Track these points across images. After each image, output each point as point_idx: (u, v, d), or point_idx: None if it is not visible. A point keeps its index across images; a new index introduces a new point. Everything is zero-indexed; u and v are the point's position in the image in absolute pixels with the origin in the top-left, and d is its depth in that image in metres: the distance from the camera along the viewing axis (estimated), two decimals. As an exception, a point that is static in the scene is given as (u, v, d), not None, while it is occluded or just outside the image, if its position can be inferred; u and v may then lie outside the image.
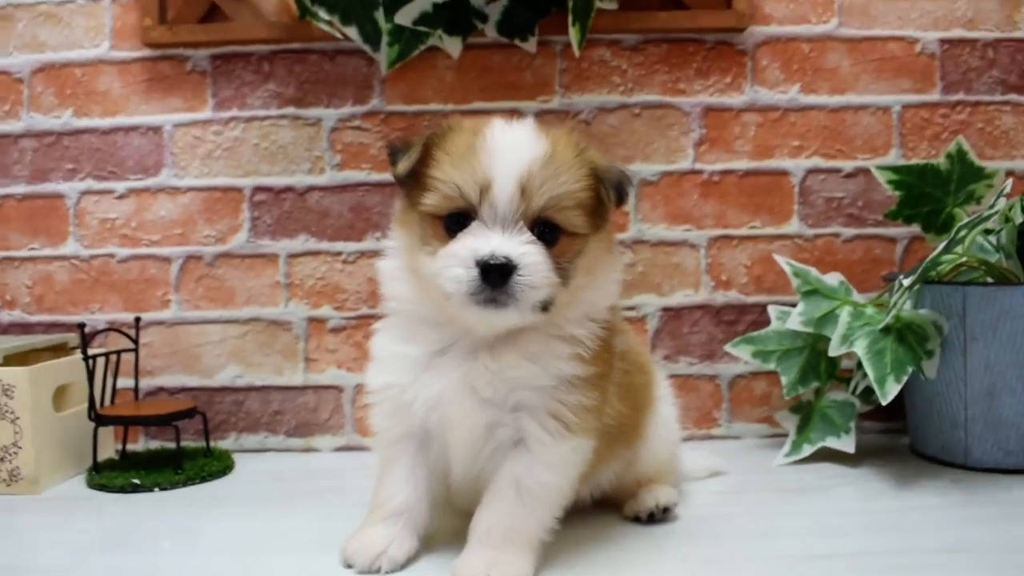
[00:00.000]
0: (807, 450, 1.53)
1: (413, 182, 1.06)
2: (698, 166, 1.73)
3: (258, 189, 1.73)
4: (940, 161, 1.58)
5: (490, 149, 1.00)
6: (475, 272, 0.96)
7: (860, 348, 1.40)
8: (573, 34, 1.57)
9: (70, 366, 1.57)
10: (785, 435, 1.61)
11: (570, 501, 1.09)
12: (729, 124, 1.73)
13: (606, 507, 1.28)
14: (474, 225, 0.99)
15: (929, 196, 1.59)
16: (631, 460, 1.24)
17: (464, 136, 1.03)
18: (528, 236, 0.98)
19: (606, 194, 1.03)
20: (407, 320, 1.10)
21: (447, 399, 1.04)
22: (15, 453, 1.46)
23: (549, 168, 0.99)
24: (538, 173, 0.99)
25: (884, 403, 1.36)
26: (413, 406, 1.06)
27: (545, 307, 1.00)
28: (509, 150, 0.99)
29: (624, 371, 1.16)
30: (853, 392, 1.55)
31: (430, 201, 1.02)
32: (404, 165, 1.04)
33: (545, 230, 1.00)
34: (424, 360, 1.06)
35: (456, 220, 1.01)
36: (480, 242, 0.97)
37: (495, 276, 0.95)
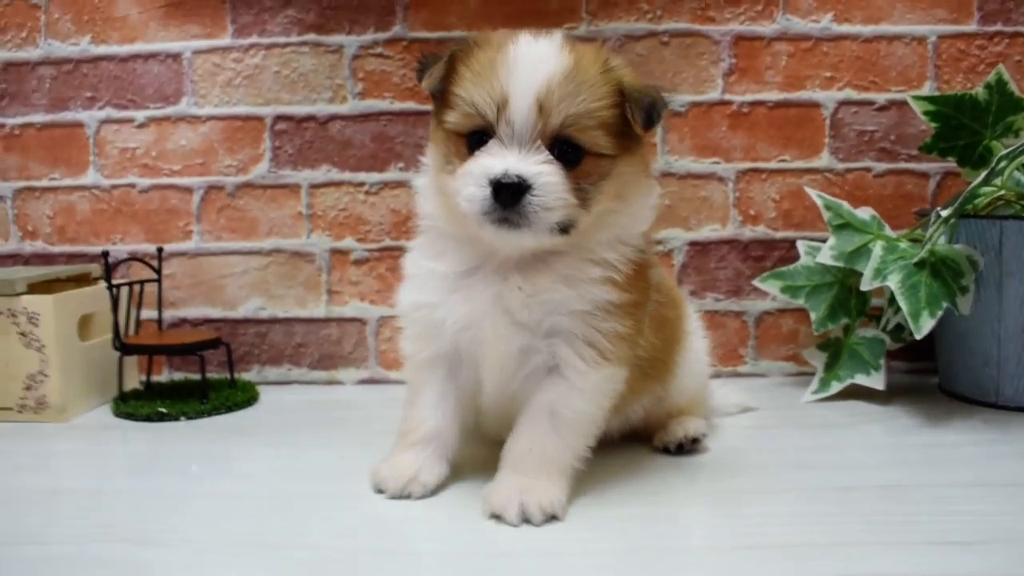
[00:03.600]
0: (835, 387, 1.52)
1: (441, 99, 1.04)
2: (727, 97, 1.69)
3: (279, 118, 1.70)
4: (978, 91, 1.53)
5: (510, 64, 0.97)
6: (488, 191, 0.94)
7: (893, 282, 1.38)
8: (602, -42, 1.53)
9: (94, 295, 1.57)
10: (811, 374, 1.59)
11: (601, 431, 1.08)
12: (760, 54, 1.68)
13: (636, 439, 1.27)
14: (491, 143, 0.97)
15: (966, 128, 1.55)
16: (662, 396, 1.23)
17: (487, 51, 1.00)
18: (545, 155, 0.96)
19: (632, 115, 0.98)
20: (438, 238, 1.08)
21: (479, 319, 1.03)
22: (41, 381, 1.46)
23: (570, 85, 0.96)
24: (557, 89, 0.95)
25: (918, 338, 1.33)
26: (444, 325, 1.05)
27: (564, 229, 0.97)
28: (529, 66, 0.96)
29: (658, 303, 1.14)
30: (883, 329, 1.53)
31: (452, 119, 1.00)
32: (429, 81, 1.02)
33: (567, 150, 0.97)
34: (455, 278, 1.05)
35: (477, 138, 0.99)
36: (495, 161, 0.95)
37: (507, 196, 0.94)
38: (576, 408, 1.02)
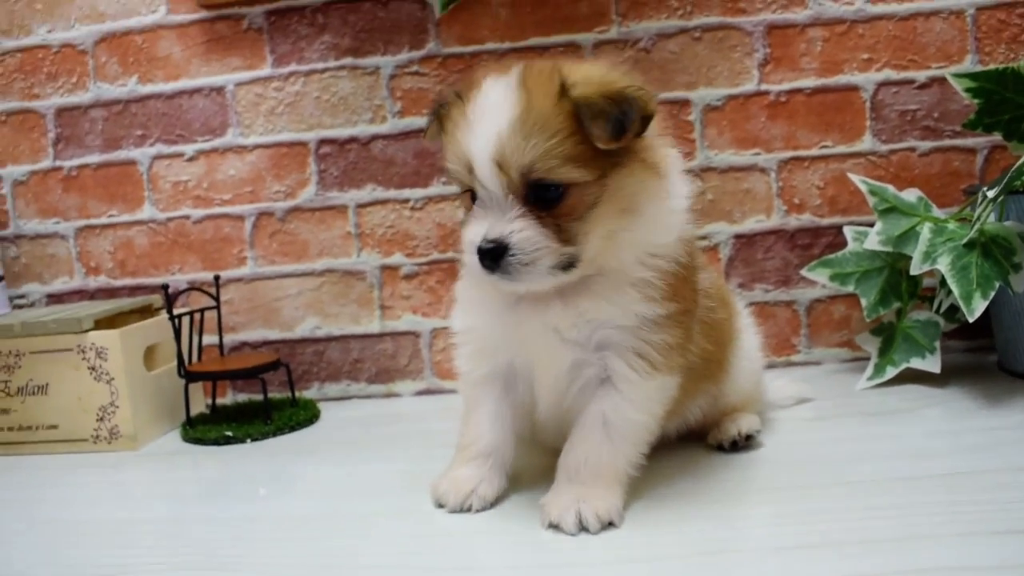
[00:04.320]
0: (891, 372, 1.50)
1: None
2: (764, 87, 1.68)
3: (323, 142, 1.74)
4: (1021, 64, 1.50)
5: (470, 123, 0.97)
6: (475, 258, 0.97)
7: (943, 265, 1.36)
8: (628, -40, 1.53)
9: (157, 326, 1.63)
10: (866, 359, 1.58)
11: (656, 437, 1.09)
12: (794, 41, 1.67)
13: (690, 438, 1.28)
14: (475, 205, 1.00)
15: (1011, 102, 1.51)
16: (716, 396, 1.24)
17: (457, 107, 1.01)
18: (518, 210, 0.96)
19: (592, 131, 0.93)
20: None
21: (530, 340, 1.05)
22: (113, 412, 1.52)
23: (521, 131, 0.94)
24: (508, 142, 0.94)
25: (971, 320, 1.32)
26: (496, 347, 1.08)
27: (567, 267, 0.98)
28: (483, 123, 0.96)
29: (708, 308, 1.14)
30: (937, 311, 1.52)
31: (448, 177, 1.04)
32: (427, 138, 1.08)
33: (545, 191, 0.96)
34: (503, 303, 1.06)
35: (471, 194, 1.02)
36: (476, 227, 0.98)
37: (489, 260, 0.96)
38: (629, 418, 1.04)
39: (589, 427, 1.04)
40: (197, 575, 0.98)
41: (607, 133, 0.94)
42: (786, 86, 1.67)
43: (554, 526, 0.99)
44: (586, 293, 1.02)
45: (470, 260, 0.98)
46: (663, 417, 1.08)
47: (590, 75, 0.97)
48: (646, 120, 0.97)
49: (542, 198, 0.96)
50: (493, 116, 0.96)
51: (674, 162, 1.07)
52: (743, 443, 1.23)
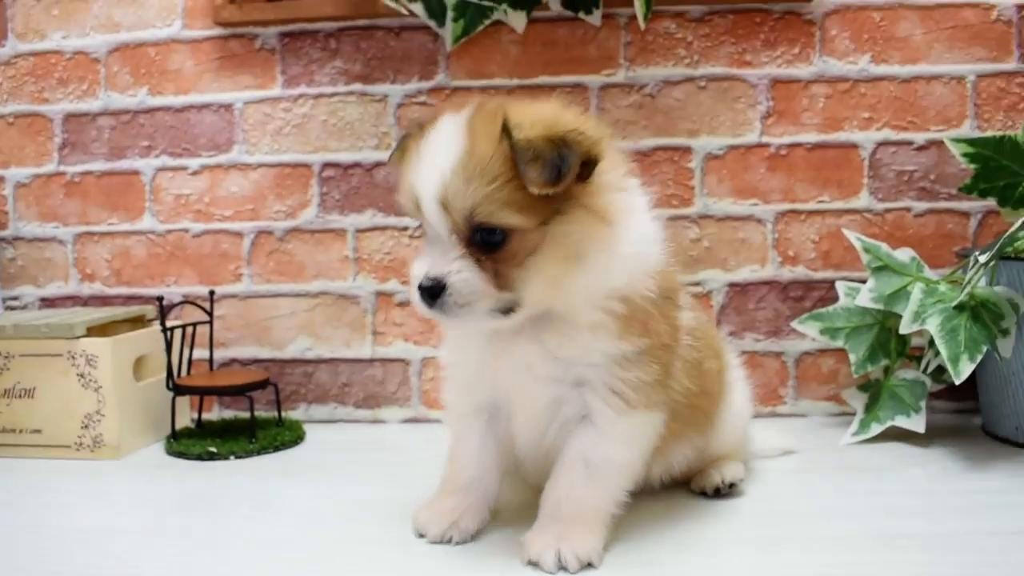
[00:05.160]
0: (875, 429, 1.51)
1: None
2: (765, 139, 1.70)
3: (327, 165, 1.76)
4: (1018, 133, 1.53)
5: (420, 160, 0.98)
6: (417, 293, 0.98)
7: (933, 326, 1.38)
8: (638, 6, 1.55)
9: (149, 337, 1.63)
10: (852, 414, 1.59)
11: (641, 477, 1.10)
12: (797, 96, 1.70)
13: (673, 485, 1.28)
14: (423, 240, 1.02)
15: (1006, 169, 1.54)
16: (702, 447, 1.23)
17: (415, 141, 1.01)
18: (459, 252, 0.96)
19: (526, 176, 0.91)
20: None
21: (505, 377, 1.06)
22: (99, 420, 1.52)
23: (463, 175, 0.93)
24: (451, 184, 0.94)
25: (957, 383, 1.33)
26: (477, 383, 1.09)
27: (507, 311, 0.97)
28: (430, 162, 0.96)
29: (692, 348, 1.13)
30: (924, 371, 1.53)
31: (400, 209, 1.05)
32: (389, 165, 1.10)
33: (487, 234, 0.95)
34: (481, 338, 1.07)
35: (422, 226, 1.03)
36: (420, 263, 0.99)
37: (427, 297, 0.96)
38: (608, 455, 1.04)
39: (570, 465, 1.04)
40: (172, 591, 0.98)
41: (542, 178, 0.92)
42: (787, 139, 1.70)
43: (533, 563, 1.00)
44: (551, 330, 1.02)
45: (412, 295, 0.98)
46: (647, 455, 1.08)
47: (537, 117, 0.95)
48: (590, 165, 0.96)
49: (485, 241, 0.95)
50: (440, 156, 0.95)
51: (633, 206, 1.04)
52: (725, 490, 1.23)
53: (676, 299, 1.11)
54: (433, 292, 0.96)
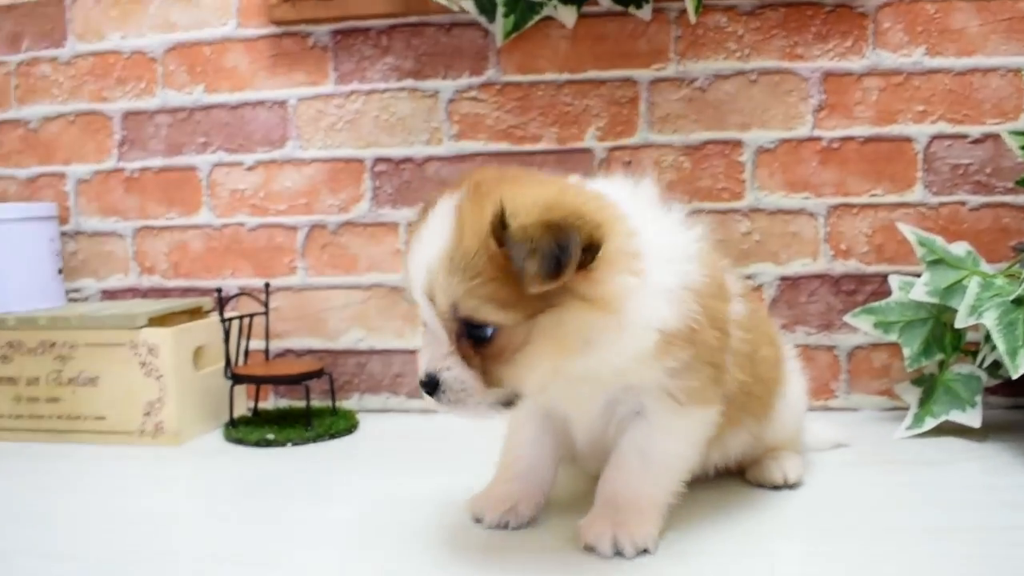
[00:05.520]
0: (930, 423, 1.50)
1: None
2: (817, 133, 1.69)
3: (379, 160, 1.78)
4: (1078, 125, 1.51)
5: (413, 247, 0.97)
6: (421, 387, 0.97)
7: (989, 320, 1.37)
8: (689, 1, 1.56)
9: (207, 328, 1.67)
10: (904, 408, 1.58)
11: (697, 465, 1.10)
12: (849, 89, 1.69)
13: (729, 473, 1.29)
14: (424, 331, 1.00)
15: (1065, 162, 1.52)
16: (758, 434, 1.23)
17: (420, 219, 0.99)
18: (450, 346, 0.94)
19: (523, 272, 0.87)
20: None
21: (559, 389, 1.03)
22: (159, 408, 1.56)
23: (448, 268, 0.90)
24: (436, 276, 0.91)
25: (1014, 377, 1.32)
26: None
27: (508, 403, 0.97)
28: (420, 251, 0.94)
29: (744, 340, 1.11)
30: (980, 365, 1.51)
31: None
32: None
33: (475, 329, 0.92)
34: None
35: None
36: (421, 354, 0.99)
37: (427, 390, 0.96)
38: (664, 448, 1.04)
39: (625, 456, 1.05)
40: (230, 569, 1.01)
41: (541, 272, 0.86)
42: (839, 133, 1.69)
43: (590, 548, 1.01)
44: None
45: (420, 385, 0.98)
46: (702, 446, 1.09)
47: (534, 200, 0.90)
48: (591, 251, 0.89)
49: (473, 335, 0.93)
50: (429, 245, 0.93)
51: (649, 268, 0.96)
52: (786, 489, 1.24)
53: (724, 296, 1.08)
54: (430, 387, 0.96)
